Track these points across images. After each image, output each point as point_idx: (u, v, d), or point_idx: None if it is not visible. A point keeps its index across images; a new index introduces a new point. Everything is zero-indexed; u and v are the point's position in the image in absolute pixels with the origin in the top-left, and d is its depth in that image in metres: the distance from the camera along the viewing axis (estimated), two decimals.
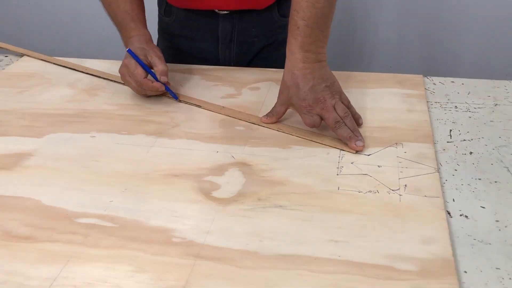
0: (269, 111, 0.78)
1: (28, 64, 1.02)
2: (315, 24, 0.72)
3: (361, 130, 0.75)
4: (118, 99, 0.87)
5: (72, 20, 1.82)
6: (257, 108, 0.83)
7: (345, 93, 0.77)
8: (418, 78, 0.91)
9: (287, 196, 0.63)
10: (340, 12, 1.66)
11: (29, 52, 1.06)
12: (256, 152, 0.72)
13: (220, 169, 0.68)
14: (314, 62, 0.73)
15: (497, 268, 0.52)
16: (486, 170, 0.67)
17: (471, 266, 0.53)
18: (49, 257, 0.55)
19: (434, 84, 0.90)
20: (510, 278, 0.51)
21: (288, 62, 0.74)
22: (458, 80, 0.91)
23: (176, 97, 0.85)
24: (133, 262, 0.54)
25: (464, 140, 0.74)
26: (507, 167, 0.67)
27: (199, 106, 0.84)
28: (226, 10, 0.96)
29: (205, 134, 0.76)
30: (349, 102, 0.76)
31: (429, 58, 1.73)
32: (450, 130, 0.76)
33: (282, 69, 0.76)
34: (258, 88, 0.89)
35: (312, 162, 0.69)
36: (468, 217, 0.59)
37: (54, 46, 1.44)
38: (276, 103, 0.78)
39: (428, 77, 0.92)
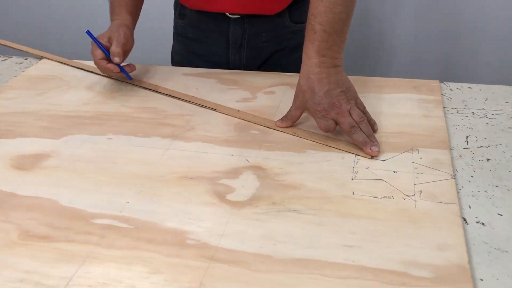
0: (284, 115, 0.79)
1: (47, 67, 1.03)
2: (332, 29, 0.72)
3: (376, 135, 0.74)
4: (135, 102, 0.88)
5: (91, 24, 1.85)
6: (272, 112, 0.83)
7: (361, 98, 0.77)
8: (434, 83, 0.90)
9: (302, 201, 0.63)
10: (357, 17, 1.65)
11: (48, 55, 1.08)
12: (270, 156, 0.72)
13: (234, 173, 0.69)
14: (330, 67, 0.73)
15: None
16: (504, 177, 0.66)
17: (487, 273, 0.52)
18: (66, 257, 0.56)
19: (451, 90, 0.89)
20: None
21: (304, 66, 0.74)
22: (476, 86, 0.90)
23: (130, 77, 0.91)
24: (148, 263, 0.55)
25: (481, 146, 0.73)
26: None
27: (214, 110, 0.84)
28: (237, 14, 0.97)
29: (220, 137, 0.77)
30: (364, 107, 0.76)
31: (446, 64, 1.72)
32: (467, 137, 0.76)
33: (298, 74, 0.76)
34: (273, 92, 0.90)
35: (327, 166, 0.69)
36: (485, 224, 0.59)
37: (72, 49, 1.46)
38: (291, 107, 0.78)
39: (445, 82, 0.91)
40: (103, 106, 0.87)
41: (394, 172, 0.68)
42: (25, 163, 0.72)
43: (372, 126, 0.76)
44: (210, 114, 0.84)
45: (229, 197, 0.64)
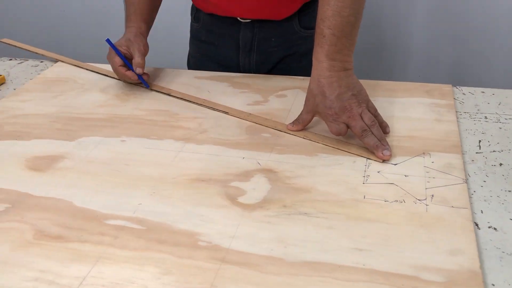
0: (295, 118, 0.79)
1: (62, 70, 1.05)
2: (341, 33, 0.72)
3: (388, 139, 0.74)
4: (148, 105, 0.89)
5: (104, 28, 1.87)
6: (284, 116, 0.83)
7: (373, 102, 0.77)
8: (447, 87, 0.90)
9: (312, 204, 0.63)
10: (370, 22, 1.66)
11: (63, 58, 1.09)
12: (282, 159, 0.72)
13: (246, 175, 0.69)
14: (341, 70, 0.73)
15: None
16: None
17: (499, 279, 0.52)
18: (79, 257, 0.57)
19: (464, 94, 0.89)
20: None
21: (314, 71, 0.75)
22: (489, 91, 0.90)
23: (147, 86, 0.93)
24: (160, 264, 0.55)
25: (493, 151, 0.73)
26: None
27: (226, 113, 0.85)
28: (248, 19, 0.98)
29: (232, 140, 0.77)
30: (376, 110, 0.76)
31: (459, 68, 1.71)
32: (479, 141, 0.75)
33: (309, 77, 0.76)
34: (285, 96, 0.90)
35: (338, 170, 0.69)
36: (497, 229, 0.58)
37: (87, 53, 1.48)
38: (302, 111, 0.78)
39: (458, 87, 0.91)
40: (117, 108, 0.88)
41: (405, 176, 0.68)
42: (40, 164, 0.74)
43: (384, 128, 0.76)
44: (222, 117, 0.84)
45: (241, 199, 0.65)
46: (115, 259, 0.56)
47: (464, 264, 0.53)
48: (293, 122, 0.79)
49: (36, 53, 1.13)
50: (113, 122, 0.84)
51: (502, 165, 0.69)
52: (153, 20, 1.01)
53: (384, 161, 0.71)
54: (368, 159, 0.71)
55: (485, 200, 0.63)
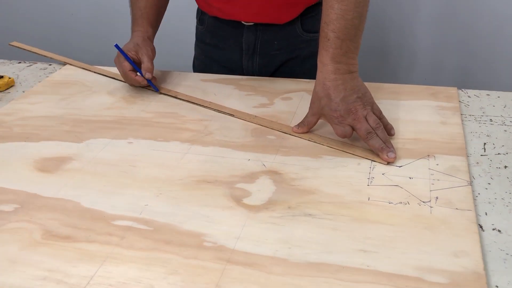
0: (300, 121, 0.80)
1: (71, 73, 1.06)
2: (345, 36, 0.73)
3: (393, 141, 0.75)
4: (154, 107, 0.90)
5: (111, 32, 1.89)
6: (289, 118, 0.84)
7: (378, 104, 0.77)
8: (452, 90, 0.90)
9: (317, 205, 0.64)
10: (375, 24, 1.66)
11: (71, 61, 1.11)
12: (287, 161, 0.73)
13: (251, 177, 0.70)
14: (346, 73, 0.74)
15: None
16: None
17: (503, 280, 0.52)
18: (87, 257, 0.58)
19: (469, 97, 0.89)
20: None
21: (319, 74, 0.75)
22: (494, 93, 0.90)
23: (157, 89, 0.95)
24: (166, 264, 0.56)
25: (498, 153, 0.73)
26: None
27: (232, 115, 0.86)
28: (251, 22, 0.99)
29: (237, 142, 0.78)
30: (381, 112, 0.77)
31: (465, 71, 1.71)
32: (484, 144, 0.75)
33: (314, 80, 0.77)
34: (290, 98, 0.91)
35: (343, 172, 0.70)
36: (501, 232, 0.59)
37: (94, 56, 1.49)
38: (307, 114, 0.79)
39: (463, 89, 0.91)
40: (124, 111, 0.89)
41: (410, 178, 0.68)
42: (49, 166, 0.75)
43: (389, 130, 0.76)
44: (228, 120, 0.85)
45: (246, 201, 0.65)
46: (122, 259, 0.57)
47: (468, 266, 0.54)
48: (298, 125, 0.79)
49: (45, 56, 1.15)
50: (121, 124, 0.85)
51: (507, 168, 0.70)
52: (159, 24, 1.03)
53: (388, 163, 0.71)
54: (372, 161, 0.72)
55: (489, 203, 0.63)
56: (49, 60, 1.13)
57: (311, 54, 1.00)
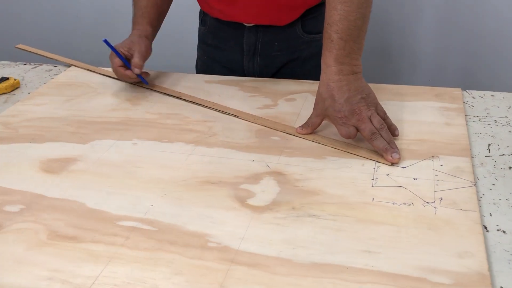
0: (304, 122, 0.80)
1: (75, 74, 1.07)
2: (349, 37, 0.73)
3: (397, 142, 0.75)
4: (159, 109, 0.90)
5: (116, 33, 1.90)
6: (293, 119, 0.84)
7: (382, 105, 0.77)
8: (456, 91, 0.90)
9: (321, 206, 0.64)
10: (378, 26, 1.66)
11: (76, 63, 1.11)
12: (291, 162, 0.73)
13: (255, 178, 0.70)
14: (349, 74, 0.74)
15: None
16: None
17: (507, 281, 0.52)
18: (92, 257, 0.58)
19: (473, 98, 0.89)
20: None
21: (323, 75, 0.75)
22: (499, 94, 0.90)
23: (146, 82, 0.97)
24: (170, 264, 0.56)
25: (503, 154, 0.73)
26: None
27: (236, 116, 0.86)
28: (252, 23, 1.00)
29: (241, 143, 0.78)
30: (385, 113, 0.77)
31: (469, 72, 1.70)
32: (489, 145, 0.75)
33: (318, 81, 0.77)
34: (294, 100, 0.91)
35: (347, 173, 0.70)
36: (506, 233, 0.59)
37: (99, 57, 1.50)
38: (311, 115, 0.79)
39: (467, 90, 0.91)
40: (129, 112, 0.90)
41: (414, 179, 0.68)
42: (54, 167, 0.75)
43: (393, 131, 0.76)
44: (232, 121, 0.85)
45: (250, 201, 0.65)
46: (127, 259, 0.57)
47: (473, 267, 0.53)
48: (302, 126, 0.80)
49: (50, 58, 1.16)
50: (125, 126, 0.85)
51: (511, 169, 0.69)
52: (160, 25, 1.04)
53: (393, 164, 0.71)
54: (377, 162, 0.72)
55: (494, 203, 0.63)
56: (54, 62, 1.14)
57: (312, 55, 1.01)
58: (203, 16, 1.09)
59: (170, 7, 1.05)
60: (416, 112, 0.84)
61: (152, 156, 0.76)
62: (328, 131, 0.80)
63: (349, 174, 0.70)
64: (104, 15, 1.95)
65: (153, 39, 1.00)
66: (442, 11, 1.64)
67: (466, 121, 0.81)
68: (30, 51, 1.20)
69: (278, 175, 0.70)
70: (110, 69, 1.06)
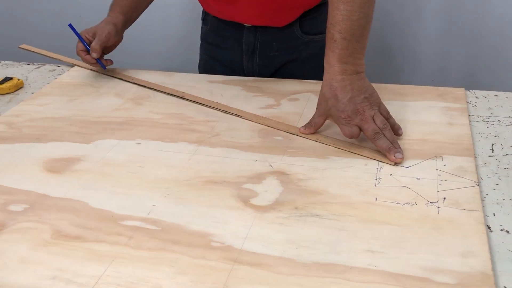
0: (307, 122, 0.80)
1: (79, 74, 1.07)
2: (352, 36, 0.73)
3: (400, 142, 0.75)
4: (162, 109, 0.91)
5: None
6: (296, 119, 0.84)
7: (386, 105, 0.77)
8: (460, 91, 0.90)
9: (324, 206, 0.64)
10: (381, 26, 1.66)
11: (80, 63, 1.11)
12: (294, 162, 0.73)
13: (258, 178, 0.70)
14: (353, 73, 0.74)
15: None
16: None
17: (511, 281, 0.52)
18: (96, 256, 0.58)
19: (477, 97, 0.89)
20: None
21: (326, 75, 0.75)
22: (502, 94, 0.89)
23: (104, 67, 1.02)
24: (174, 264, 0.56)
25: (506, 154, 0.73)
26: None
27: (239, 116, 0.86)
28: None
29: (244, 143, 0.78)
30: (388, 112, 0.76)
31: (473, 72, 1.70)
32: (492, 144, 0.75)
33: (321, 81, 0.77)
34: (297, 99, 0.91)
35: (350, 173, 0.70)
36: (510, 232, 0.58)
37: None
38: (314, 114, 0.79)
39: (471, 90, 0.91)
40: (132, 112, 0.90)
41: (417, 178, 0.68)
42: (58, 166, 0.75)
43: (396, 131, 0.76)
44: (235, 120, 0.85)
45: (253, 201, 0.65)
46: (131, 258, 0.58)
47: (476, 267, 0.53)
48: (305, 125, 0.80)
49: (53, 58, 1.16)
50: (129, 125, 0.86)
51: None
52: (135, 14, 1.06)
53: (396, 164, 0.71)
54: (380, 162, 0.72)
55: (497, 203, 0.63)
56: (58, 62, 1.14)
57: (311, 56, 1.01)
58: (205, 15, 1.10)
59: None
60: (419, 112, 0.84)
61: (156, 156, 0.77)
62: (331, 130, 0.80)
63: (352, 174, 0.70)
64: (107, 15, 1.95)
65: (124, 27, 1.04)
66: (445, 11, 1.64)
67: (470, 121, 0.81)
68: (33, 51, 1.20)
69: (281, 175, 0.70)
70: (113, 69, 1.06)
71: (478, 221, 0.59)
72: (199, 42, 1.15)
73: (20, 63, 1.15)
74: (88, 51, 0.99)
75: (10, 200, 0.68)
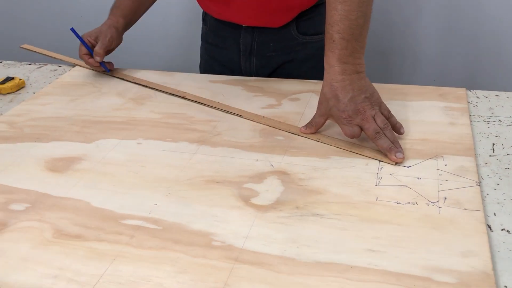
0: (308, 121, 0.80)
1: (80, 74, 1.07)
2: (350, 36, 0.73)
3: (401, 142, 0.75)
4: (163, 108, 0.91)
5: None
6: (297, 119, 0.84)
7: (386, 105, 0.77)
8: (460, 91, 0.90)
9: (325, 205, 0.64)
10: (381, 26, 1.66)
11: (81, 63, 1.11)
12: (295, 162, 0.73)
13: (259, 177, 0.70)
14: (353, 73, 0.74)
15: None
16: None
17: (511, 281, 0.52)
18: (97, 255, 0.58)
19: (478, 97, 0.89)
20: None
21: (326, 75, 0.75)
22: (503, 94, 0.89)
23: (108, 70, 1.02)
24: (175, 263, 0.56)
25: (507, 154, 0.73)
26: None
27: (240, 116, 0.86)
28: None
29: (245, 142, 0.79)
30: (389, 111, 0.76)
31: (473, 72, 1.70)
32: (493, 144, 0.75)
33: (322, 81, 0.77)
34: (298, 99, 0.91)
35: (351, 172, 0.70)
36: (510, 232, 0.59)
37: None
38: (315, 114, 0.79)
39: (472, 90, 0.91)
40: (133, 112, 0.90)
41: (418, 178, 0.68)
42: (59, 166, 0.76)
43: (398, 129, 0.76)
44: (236, 120, 0.85)
45: (254, 200, 0.66)
46: (132, 257, 0.58)
47: (477, 266, 0.53)
48: (306, 125, 0.80)
49: (55, 58, 1.16)
50: (130, 125, 0.86)
51: None
52: (136, 17, 1.07)
53: (397, 163, 0.71)
54: (381, 162, 0.72)
55: (498, 203, 0.63)
56: (59, 62, 1.14)
57: (308, 56, 1.01)
58: (204, 15, 1.10)
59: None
60: (420, 111, 0.84)
61: (157, 156, 0.77)
62: (332, 130, 0.80)
63: (353, 174, 0.70)
64: (107, 18, 1.95)
65: (124, 30, 1.05)
66: (445, 11, 1.64)
67: (471, 121, 0.81)
68: (35, 51, 1.20)
69: (282, 175, 0.70)
70: (114, 69, 1.07)
71: (478, 221, 0.60)
72: (199, 42, 1.15)
73: (22, 63, 1.15)
74: (91, 54, 0.99)
75: (11, 199, 0.69)
